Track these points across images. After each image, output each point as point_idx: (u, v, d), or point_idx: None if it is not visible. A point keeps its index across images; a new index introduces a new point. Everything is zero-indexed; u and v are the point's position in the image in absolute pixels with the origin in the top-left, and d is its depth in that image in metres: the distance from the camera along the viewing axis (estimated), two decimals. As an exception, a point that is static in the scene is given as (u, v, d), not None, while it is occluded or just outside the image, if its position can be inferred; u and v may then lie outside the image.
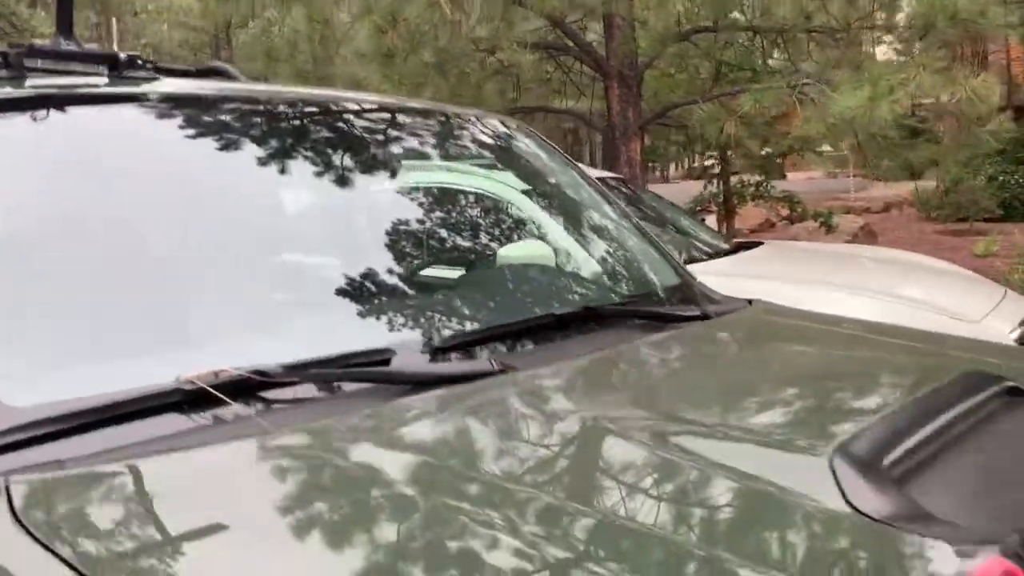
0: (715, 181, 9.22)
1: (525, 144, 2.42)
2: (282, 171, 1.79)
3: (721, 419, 1.34)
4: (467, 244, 2.02)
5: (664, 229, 5.31)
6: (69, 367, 1.32)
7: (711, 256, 4.91)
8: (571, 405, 1.43)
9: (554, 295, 1.99)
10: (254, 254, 1.65)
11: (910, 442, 1.12)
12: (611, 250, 2.32)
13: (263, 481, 1.14)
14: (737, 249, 5.16)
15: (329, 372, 1.43)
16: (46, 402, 1.20)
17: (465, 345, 1.63)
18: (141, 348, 1.39)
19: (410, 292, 1.74)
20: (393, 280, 1.72)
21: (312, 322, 1.60)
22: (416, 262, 1.85)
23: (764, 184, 9.23)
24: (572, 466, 1.24)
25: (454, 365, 1.56)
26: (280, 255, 1.71)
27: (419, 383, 1.43)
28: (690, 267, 4.31)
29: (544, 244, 2.19)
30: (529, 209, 2.33)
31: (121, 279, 1.47)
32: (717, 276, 3.96)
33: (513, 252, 2.08)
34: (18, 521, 0.98)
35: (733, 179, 9.26)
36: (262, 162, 1.76)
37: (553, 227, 2.29)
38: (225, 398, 1.30)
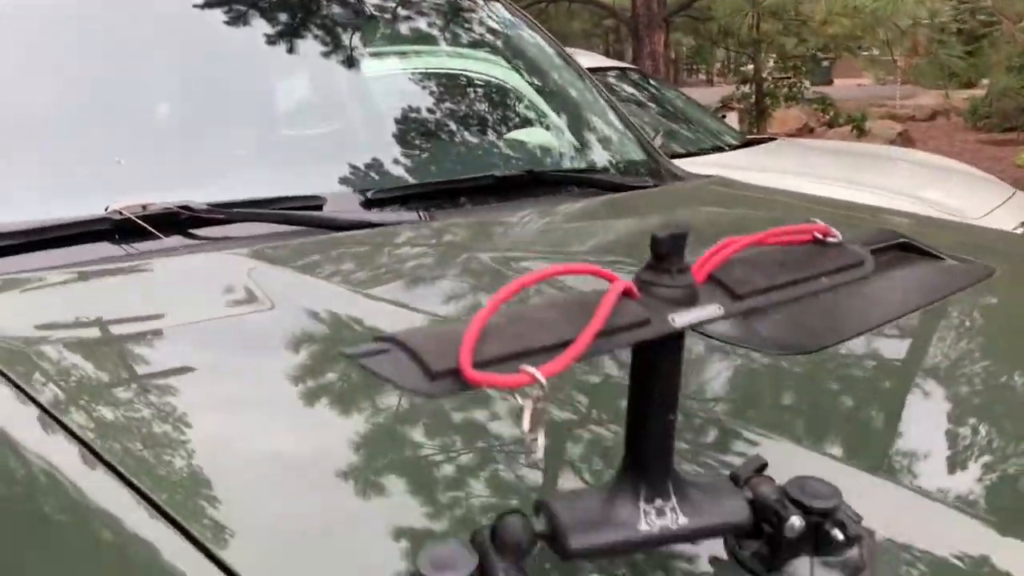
0: (748, 82, 9.04)
1: (498, 15, 2.44)
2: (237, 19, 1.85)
3: (613, 260, 1.41)
4: (425, 104, 2.07)
5: (677, 122, 5.29)
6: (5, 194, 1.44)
7: (720, 150, 4.90)
8: (482, 251, 1.51)
9: (504, 160, 2.05)
10: (198, 100, 1.74)
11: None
12: (575, 123, 2.36)
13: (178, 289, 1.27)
14: (748, 144, 5.14)
15: (258, 212, 1.53)
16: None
17: (398, 199, 1.72)
18: (76, 185, 1.50)
19: (351, 145, 1.82)
20: (336, 131, 1.80)
21: (250, 168, 1.69)
22: (361, 117, 1.92)
23: (797, 85, 9.02)
24: (471, 300, 1.33)
25: (382, 215, 1.64)
26: (223, 103, 1.78)
27: (345, 228, 1.53)
28: (696, 159, 4.35)
29: (544, 132, 2.27)
30: (498, 76, 2.37)
31: (65, 119, 1.57)
32: (721, 168, 3.97)
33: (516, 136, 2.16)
34: None
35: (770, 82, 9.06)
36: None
37: (518, 92, 2.33)
38: (153, 230, 1.41)
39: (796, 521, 0.65)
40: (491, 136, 2.09)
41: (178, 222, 1.45)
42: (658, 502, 0.63)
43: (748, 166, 4.27)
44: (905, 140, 11.99)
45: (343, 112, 1.95)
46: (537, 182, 1.93)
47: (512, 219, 1.71)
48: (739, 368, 1.03)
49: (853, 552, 0.68)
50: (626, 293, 0.58)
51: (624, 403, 0.63)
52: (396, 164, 1.82)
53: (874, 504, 0.78)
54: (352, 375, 0.94)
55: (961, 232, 1.85)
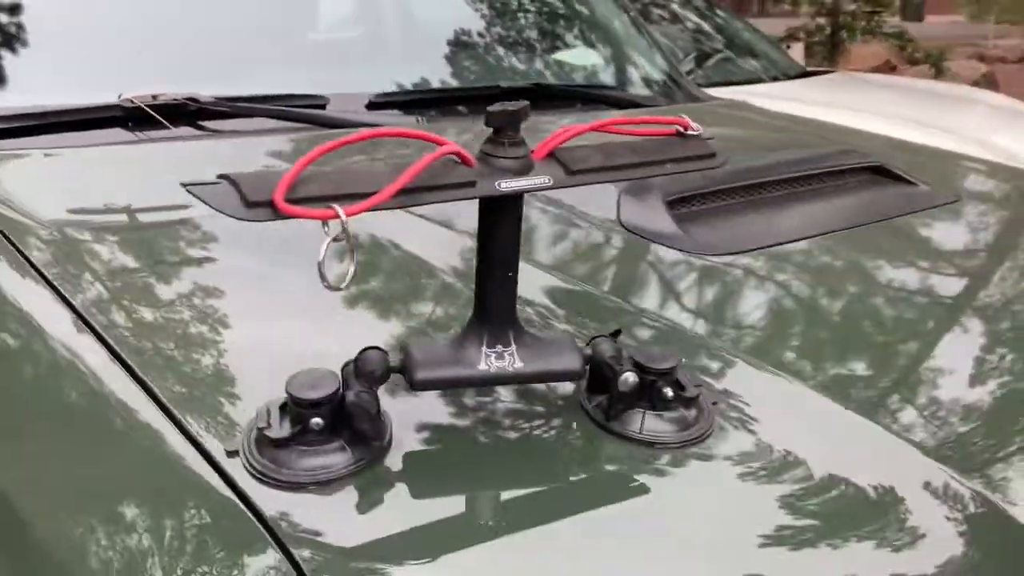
0: (825, 14, 8.75)
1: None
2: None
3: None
4: (437, 13, 2.14)
5: (735, 49, 5.21)
6: (26, 81, 1.57)
7: (773, 80, 4.83)
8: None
9: (513, 72, 2.11)
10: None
11: (698, 188, 1.26)
12: (591, 39, 2.40)
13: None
14: (804, 75, 5.04)
15: (262, 107, 1.63)
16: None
17: (400, 104, 1.81)
18: (91, 75, 1.62)
19: (359, 49, 1.90)
20: (345, 35, 1.89)
21: (260, 66, 1.79)
22: (371, 23, 2.00)
23: (875, 18, 8.70)
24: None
25: (382, 118, 1.73)
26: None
27: (345, 128, 1.63)
28: (742, 87, 4.29)
29: (558, 46, 2.32)
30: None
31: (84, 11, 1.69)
32: (769, 99, 3.94)
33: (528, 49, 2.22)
34: None
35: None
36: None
37: (534, 4, 2.37)
38: (161, 119, 1.53)
39: (629, 376, 0.74)
40: (500, 49, 2.14)
41: (186, 113, 1.56)
42: (498, 347, 0.73)
43: (796, 97, 4.20)
44: (990, 83, 11.48)
45: (357, 16, 2.03)
46: (544, 96, 1.99)
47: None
48: (657, 264, 1.10)
49: (684, 411, 0.77)
50: (462, 159, 0.66)
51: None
52: (402, 70, 1.90)
53: (726, 378, 0.87)
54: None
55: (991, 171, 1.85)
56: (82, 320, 0.88)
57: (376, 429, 0.69)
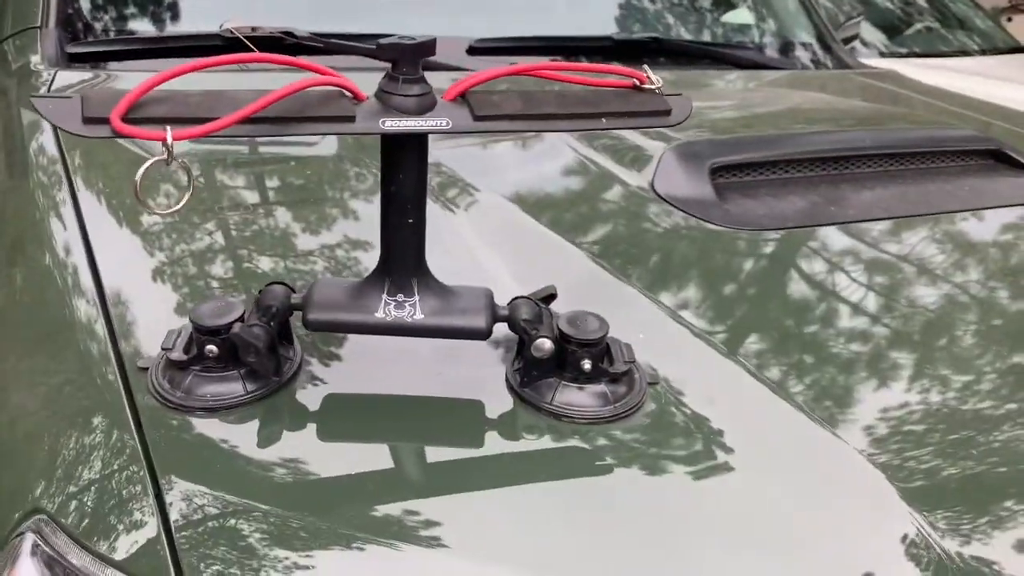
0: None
1: None
2: None
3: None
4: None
5: (943, 20, 4.76)
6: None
7: (977, 54, 4.38)
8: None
9: (634, 22, 2.02)
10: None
11: (752, 156, 1.15)
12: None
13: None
14: (1015, 51, 4.54)
15: (357, 45, 1.65)
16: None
17: (504, 50, 1.77)
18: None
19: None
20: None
21: (363, 5, 1.81)
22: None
23: None
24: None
25: (480, 63, 1.71)
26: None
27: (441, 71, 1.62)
28: (928, 60, 3.92)
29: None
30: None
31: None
32: (962, 75, 3.59)
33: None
34: None
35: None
36: None
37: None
38: (255, 50, 1.58)
39: (544, 343, 0.70)
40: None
41: (282, 47, 1.60)
42: (399, 297, 0.70)
43: (983, 73, 3.77)
44: None
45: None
46: (662, 50, 1.89)
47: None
48: (674, 234, 1.03)
49: (607, 387, 0.71)
50: (352, 93, 0.63)
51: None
52: (510, 15, 1.86)
53: (687, 361, 0.80)
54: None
55: None
56: (81, 226, 0.93)
57: (265, 364, 0.69)
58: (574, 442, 0.69)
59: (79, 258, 0.88)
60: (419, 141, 0.66)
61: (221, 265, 0.90)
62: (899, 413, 0.78)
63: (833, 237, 1.04)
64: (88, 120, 0.56)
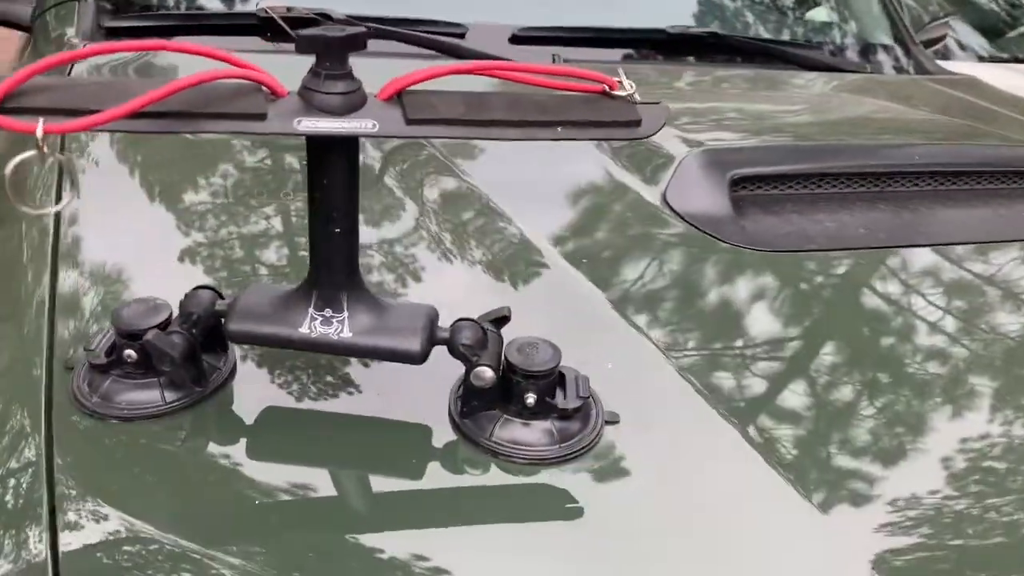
0: None
1: None
2: None
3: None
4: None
5: None
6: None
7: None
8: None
9: (688, 14, 1.92)
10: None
11: (781, 167, 1.06)
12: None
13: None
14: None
15: (395, 30, 1.60)
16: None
17: (545, 40, 1.69)
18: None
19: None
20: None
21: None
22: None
23: None
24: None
25: (521, 53, 1.64)
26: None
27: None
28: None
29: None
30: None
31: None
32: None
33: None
34: None
35: None
36: None
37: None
38: (289, 30, 1.54)
39: (485, 372, 0.63)
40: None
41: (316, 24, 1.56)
42: (328, 312, 0.64)
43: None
44: None
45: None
46: (722, 46, 1.79)
47: (658, 79, 1.62)
48: (679, 252, 0.94)
49: (554, 423, 0.65)
50: (271, 88, 0.57)
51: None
52: (558, 2, 1.78)
53: (656, 397, 0.72)
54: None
55: None
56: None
57: (181, 374, 0.64)
58: (510, 482, 0.63)
59: (46, 244, 0.85)
60: (347, 144, 0.60)
61: (189, 262, 0.85)
62: (883, 474, 0.68)
63: (858, 264, 0.94)
64: None
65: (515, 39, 1.67)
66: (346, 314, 0.64)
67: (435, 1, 1.72)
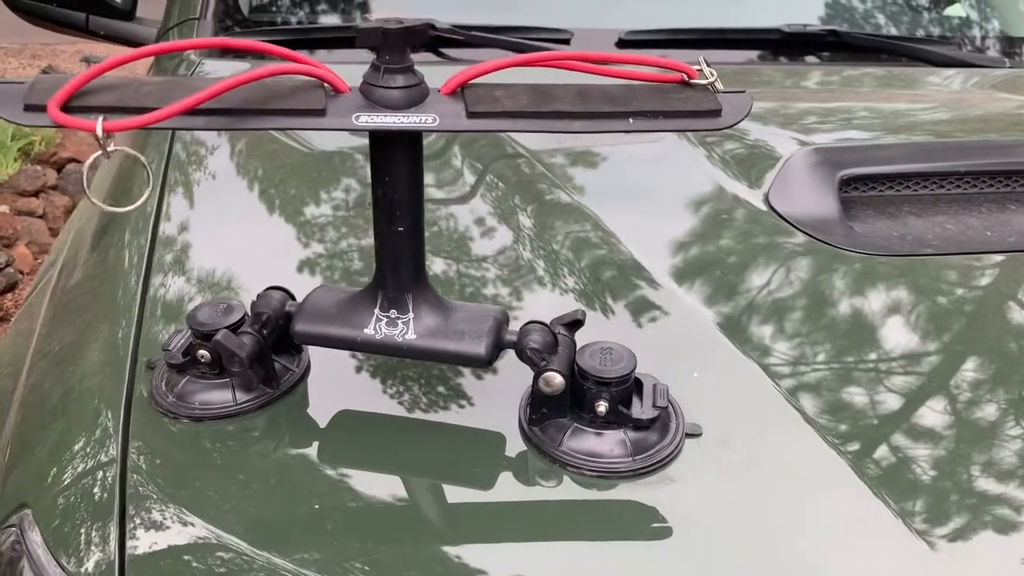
0: None
1: None
2: None
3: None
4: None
5: None
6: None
7: None
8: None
9: (801, 13, 1.82)
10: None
11: (896, 166, 0.98)
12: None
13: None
14: None
15: (499, 38, 1.59)
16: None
17: (655, 43, 1.65)
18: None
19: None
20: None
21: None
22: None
23: None
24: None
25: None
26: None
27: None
28: None
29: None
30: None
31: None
32: None
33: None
34: None
35: None
36: None
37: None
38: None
39: (553, 377, 0.60)
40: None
41: (427, 41, 1.57)
42: (393, 313, 0.62)
43: None
44: None
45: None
46: (840, 45, 1.70)
47: (775, 79, 1.55)
48: (785, 256, 0.88)
49: (628, 434, 0.61)
50: (332, 85, 0.56)
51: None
52: (665, 5, 1.73)
53: (743, 410, 0.67)
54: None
55: None
56: (156, 218, 0.92)
57: (248, 375, 0.64)
58: (579, 495, 0.59)
59: (144, 248, 0.88)
60: (410, 139, 0.58)
61: (276, 267, 0.86)
62: (998, 509, 0.61)
63: (981, 269, 0.86)
64: (28, 108, 0.52)
65: (622, 43, 1.63)
66: (411, 315, 0.62)
67: (540, 8, 1.70)
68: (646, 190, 0.99)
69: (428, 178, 0.90)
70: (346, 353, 0.70)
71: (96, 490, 0.61)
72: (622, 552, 0.57)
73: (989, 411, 0.68)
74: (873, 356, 0.74)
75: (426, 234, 0.64)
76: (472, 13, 1.64)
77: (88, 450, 0.65)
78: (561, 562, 0.56)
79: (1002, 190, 1.00)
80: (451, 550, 0.57)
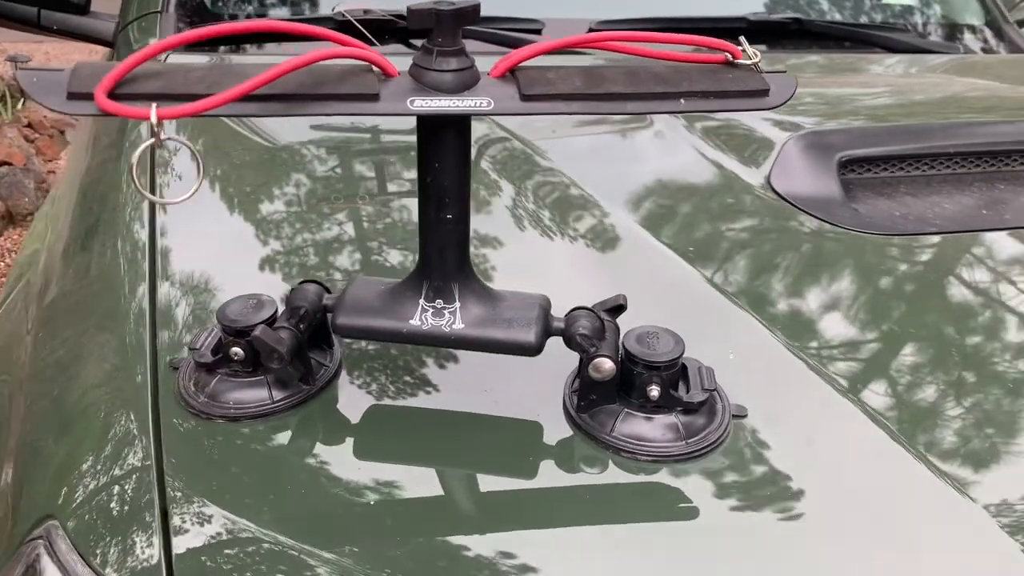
0: None
1: None
2: None
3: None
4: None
5: None
6: None
7: None
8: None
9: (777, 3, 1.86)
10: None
11: (891, 148, 1.00)
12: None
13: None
14: None
15: (472, 28, 1.58)
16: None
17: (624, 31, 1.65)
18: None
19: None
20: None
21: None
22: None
23: None
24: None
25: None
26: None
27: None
28: None
29: None
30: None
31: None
32: None
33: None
34: None
35: None
36: None
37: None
38: (367, 33, 1.53)
39: (604, 363, 0.60)
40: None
41: (394, 30, 1.55)
42: (439, 303, 0.61)
43: None
44: None
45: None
46: (806, 32, 1.73)
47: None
48: (791, 237, 0.89)
49: (679, 417, 0.61)
50: (382, 68, 0.55)
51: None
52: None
53: (787, 391, 0.68)
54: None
55: None
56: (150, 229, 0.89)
57: (288, 371, 0.62)
58: (635, 480, 0.59)
59: (144, 246, 0.85)
60: (459, 124, 0.57)
61: (287, 261, 0.84)
62: None
63: (984, 245, 0.88)
64: (73, 96, 0.50)
65: (592, 32, 1.63)
66: (457, 304, 0.61)
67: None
68: (648, 176, 0.99)
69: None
70: (379, 347, 0.69)
71: (133, 495, 0.59)
72: (683, 534, 0.56)
73: (1004, 374, 0.70)
74: (899, 330, 0.75)
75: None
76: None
77: (116, 455, 0.62)
78: (617, 547, 0.56)
79: (988, 169, 1.03)
80: (505, 539, 0.56)
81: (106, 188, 1.04)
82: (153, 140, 0.48)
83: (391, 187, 0.98)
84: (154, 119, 0.47)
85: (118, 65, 0.49)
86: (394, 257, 0.82)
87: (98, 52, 1.84)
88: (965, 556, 0.55)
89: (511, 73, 0.57)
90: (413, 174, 0.99)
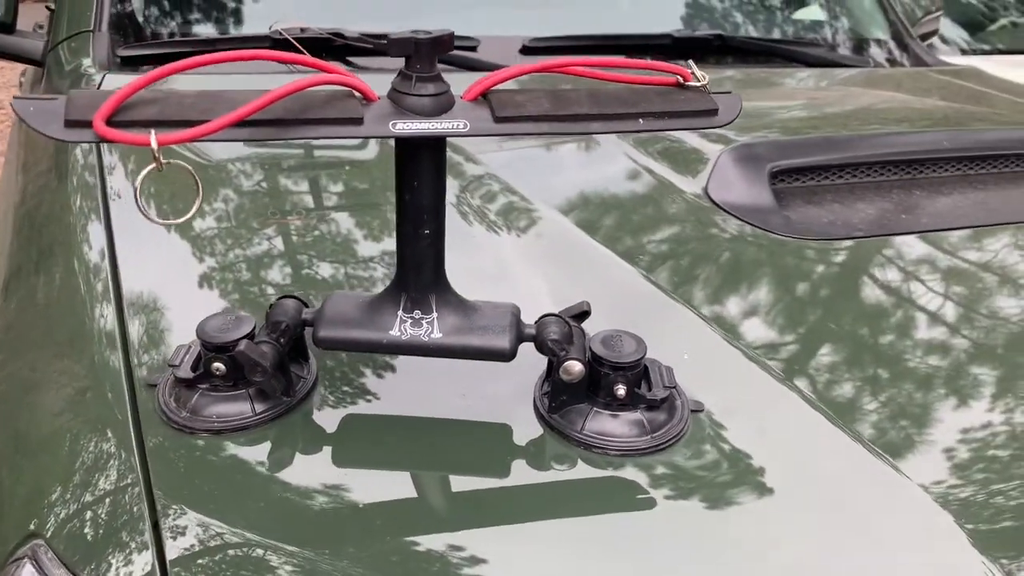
0: None
1: None
2: None
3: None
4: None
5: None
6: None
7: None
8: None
9: (693, 19, 1.94)
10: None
11: (817, 159, 1.07)
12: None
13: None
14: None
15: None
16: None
17: (556, 49, 1.71)
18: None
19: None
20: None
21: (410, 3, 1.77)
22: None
23: None
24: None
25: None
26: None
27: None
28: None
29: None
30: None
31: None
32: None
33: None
34: None
35: None
36: None
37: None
38: (304, 51, 1.55)
39: (573, 365, 0.64)
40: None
41: (332, 48, 1.57)
42: (416, 313, 0.65)
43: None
44: None
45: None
46: (727, 48, 1.81)
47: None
48: (728, 243, 0.95)
49: (644, 414, 0.65)
50: (363, 93, 0.58)
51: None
52: (563, 12, 1.80)
53: (738, 386, 0.73)
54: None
55: None
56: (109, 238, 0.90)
57: (272, 384, 0.64)
58: (605, 474, 0.63)
59: (104, 267, 0.85)
60: (436, 145, 0.61)
61: (249, 277, 0.85)
62: (976, 446, 0.69)
63: (905, 248, 0.95)
64: (70, 123, 0.52)
65: (525, 50, 1.68)
66: (435, 315, 0.64)
67: (445, 16, 1.73)
68: (599, 188, 1.04)
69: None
70: (354, 358, 0.71)
71: (121, 510, 0.60)
72: (650, 521, 0.61)
73: (933, 364, 0.77)
74: (832, 326, 0.82)
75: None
76: (378, 22, 1.66)
77: (98, 473, 0.64)
78: (597, 537, 0.60)
79: (905, 177, 1.11)
80: (485, 536, 0.59)
81: (51, 213, 1.04)
82: (154, 165, 0.50)
83: (342, 202, 1.01)
84: (155, 145, 0.49)
85: (115, 93, 0.51)
86: (360, 271, 0.85)
87: (18, 68, 1.81)
88: (904, 526, 0.61)
89: (483, 97, 0.60)
90: (371, 190, 1.02)
